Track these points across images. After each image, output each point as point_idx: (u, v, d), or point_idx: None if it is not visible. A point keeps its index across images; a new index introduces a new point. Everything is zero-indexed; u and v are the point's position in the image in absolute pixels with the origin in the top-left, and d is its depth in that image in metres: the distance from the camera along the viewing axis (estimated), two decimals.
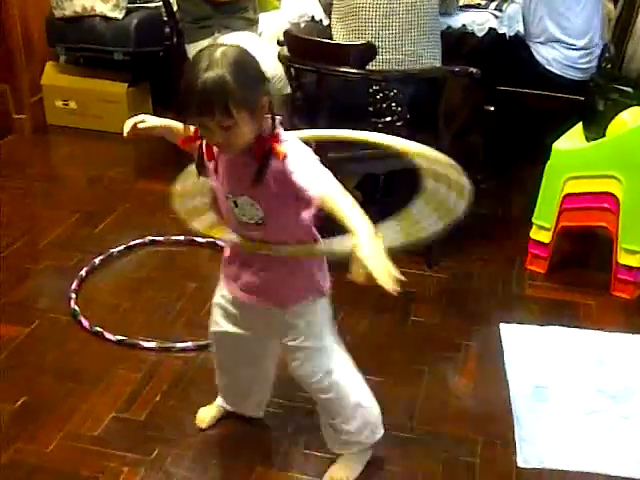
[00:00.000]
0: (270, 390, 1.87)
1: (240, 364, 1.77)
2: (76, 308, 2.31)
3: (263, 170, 1.39)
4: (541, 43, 2.92)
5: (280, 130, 1.42)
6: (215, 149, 1.46)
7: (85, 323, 2.26)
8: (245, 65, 1.36)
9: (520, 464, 1.81)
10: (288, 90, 2.75)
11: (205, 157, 1.49)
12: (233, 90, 1.30)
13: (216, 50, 1.35)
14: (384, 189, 2.99)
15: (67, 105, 3.67)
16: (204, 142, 1.47)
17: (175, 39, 3.19)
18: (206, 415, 1.90)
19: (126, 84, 3.59)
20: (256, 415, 1.89)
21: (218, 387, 1.88)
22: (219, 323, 1.73)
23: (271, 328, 1.66)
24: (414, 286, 2.49)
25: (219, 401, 1.91)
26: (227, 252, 1.65)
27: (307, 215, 1.51)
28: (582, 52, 2.89)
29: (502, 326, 2.29)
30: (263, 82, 1.40)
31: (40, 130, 3.67)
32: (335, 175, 2.51)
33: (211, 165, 1.51)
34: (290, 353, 1.65)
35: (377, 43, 2.39)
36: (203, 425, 1.89)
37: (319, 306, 1.62)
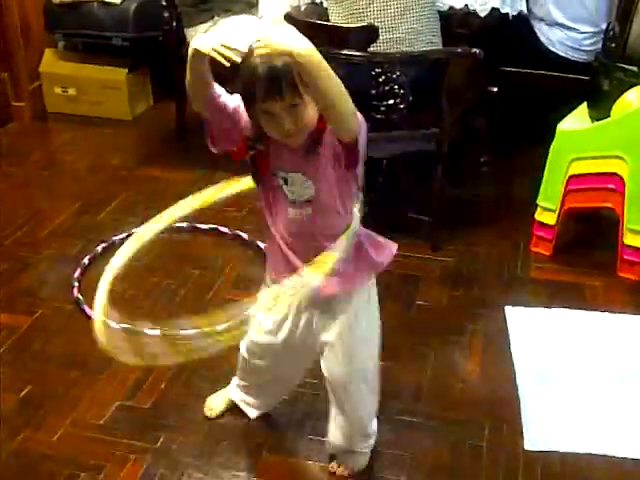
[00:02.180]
0: None
1: (283, 369, 1.74)
2: (79, 296, 2.31)
3: (317, 142, 1.38)
4: (545, 24, 2.88)
5: None
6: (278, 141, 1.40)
7: (89, 311, 2.25)
8: None
9: (527, 447, 1.81)
10: None
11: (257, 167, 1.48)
12: (295, 67, 1.26)
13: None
14: (387, 173, 2.97)
15: (66, 92, 3.65)
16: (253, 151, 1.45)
17: (174, 23, 3.17)
18: (216, 407, 1.90)
19: (125, 70, 3.56)
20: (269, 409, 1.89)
21: (246, 390, 1.85)
22: (263, 335, 1.67)
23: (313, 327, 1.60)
24: (419, 270, 2.47)
25: (233, 395, 1.89)
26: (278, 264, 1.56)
27: (354, 185, 1.47)
28: (587, 34, 2.86)
29: (507, 309, 2.28)
30: None
31: (39, 117, 3.65)
32: None
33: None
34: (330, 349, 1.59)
35: (377, 24, 2.37)
36: (212, 415, 1.88)
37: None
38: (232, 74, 1.38)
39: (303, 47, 1.22)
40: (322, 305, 1.56)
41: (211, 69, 1.39)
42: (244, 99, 1.37)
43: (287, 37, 1.23)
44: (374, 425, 1.73)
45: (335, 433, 1.70)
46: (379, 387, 1.68)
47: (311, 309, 1.58)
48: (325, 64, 1.25)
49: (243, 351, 1.75)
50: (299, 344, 1.63)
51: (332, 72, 1.26)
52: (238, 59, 1.30)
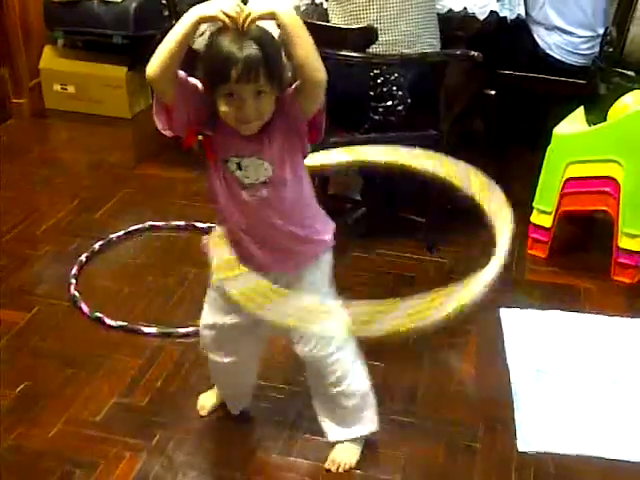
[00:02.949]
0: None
1: (240, 357, 1.73)
2: (76, 294, 2.31)
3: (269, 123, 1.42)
4: (543, 28, 2.90)
5: None
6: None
7: (85, 309, 2.26)
8: (275, 41, 1.40)
9: (521, 448, 1.82)
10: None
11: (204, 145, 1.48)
12: (274, 55, 1.36)
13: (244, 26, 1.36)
14: (383, 175, 2.98)
15: (66, 89, 3.65)
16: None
17: (174, 22, 3.16)
18: (206, 402, 1.91)
19: (125, 68, 3.57)
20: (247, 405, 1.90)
21: (219, 388, 1.88)
22: (216, 316, 1.68)
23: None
24: (414, 270, 2.48)
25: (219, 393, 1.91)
26: (227, 249, 1.58)
27: (303, 149, 1.50)
28: (584, 39, 2.88)
29: (502, 311, 2.29)
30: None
31: (39, 114, 3.65)
32: None
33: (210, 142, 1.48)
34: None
35: (376, 25, 2.38)
36: (204, 412, 1.89)
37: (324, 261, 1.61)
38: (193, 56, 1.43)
39: (285, 9, 1.35)
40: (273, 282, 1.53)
41: None
42: (211, 78, 1.39)
43: (270, 3, 1.34)
44: (359, 406, 1.73)
45: (329, 417, 1.72)
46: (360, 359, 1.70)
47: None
48: (301, 23, 1.36)
49: (203, 347, 1.77)
50: (252, 325, 1.61)
51: (307, 32, 1.36)
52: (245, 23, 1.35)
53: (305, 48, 1.35)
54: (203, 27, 3.31)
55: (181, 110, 1.43)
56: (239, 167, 1.46)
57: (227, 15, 1.34)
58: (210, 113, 1.43)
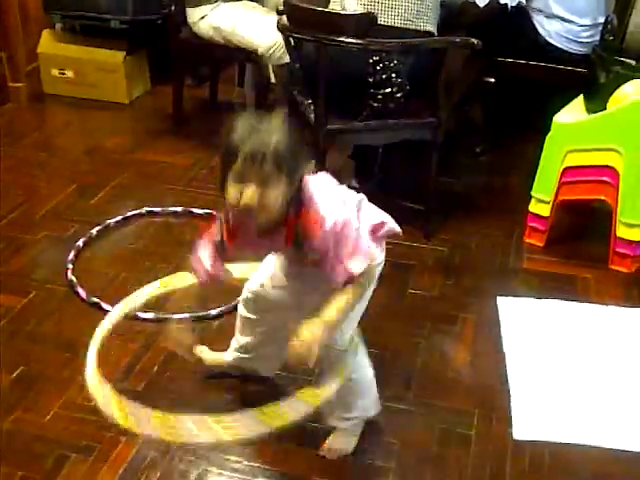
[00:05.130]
0: None
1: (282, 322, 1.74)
2: (73, 279, 2.31)
3: (299, 251, 1.49)
4: (544, 16, 2.88)
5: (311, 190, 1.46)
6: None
7: (82, 294, 2.25)
8: (293, 132, 1.40)
9: (516, 436, 1.83)
10: (287, 59, 2.72)
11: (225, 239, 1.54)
12: (287, 146, 1.35)
13: (262, 115, 1.40)
14: (382, 162, 2.98)
15: (64, 74, 3.63)
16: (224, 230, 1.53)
17: (173, 7, 3.15)
18: (208, 357, 1.94)
19: (123, 53, 3.55)
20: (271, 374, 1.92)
21: (244, 348, 1.87)
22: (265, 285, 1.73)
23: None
24: (412, 258, 2.48)
25: (229, 357, 1.92)
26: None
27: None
28: (585, 27, 2.86)
29: (499, 299, 2.30)
30: (306, 157, 1.44)
31: (36, 99, 3.64)
32: (333, 145, 2.50)
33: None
34: None
35: (374, 4, 2.36)
36: (193, 357, 1.87)
37: None
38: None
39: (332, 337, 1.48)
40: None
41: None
42: (222, 160, 1.40)
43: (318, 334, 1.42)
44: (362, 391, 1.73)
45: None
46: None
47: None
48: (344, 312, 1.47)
49: (241, 309, 1.81)
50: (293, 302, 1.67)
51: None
52: None
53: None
54: (203, 11, 3.31)
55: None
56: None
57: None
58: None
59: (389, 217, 1.66)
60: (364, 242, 1.48)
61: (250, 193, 1.35)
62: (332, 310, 1.44)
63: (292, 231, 1.45)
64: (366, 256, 1.46)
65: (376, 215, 1.61)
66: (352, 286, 1.46)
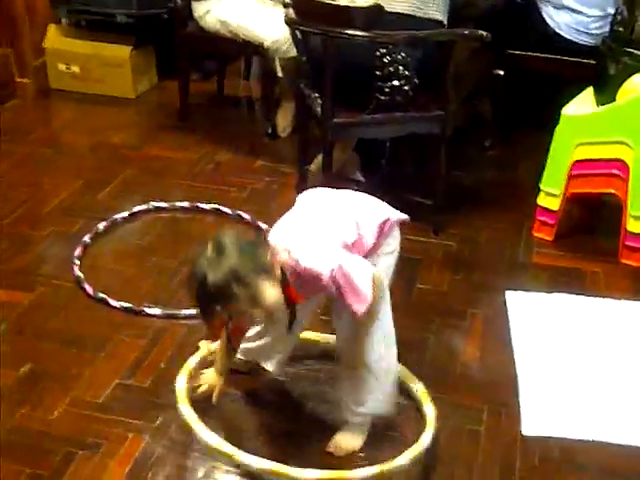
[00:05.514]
0: None
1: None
2: (80, 274, 2.30)
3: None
4: (552, 7, 2.85)
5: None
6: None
7: (89, 290, 2.25)
8: (243, 243, 1.50)
9: (525, 432, 1.81)
10: (294, 52, 2.70)
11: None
12: (242, 264, 1.45)
13: (215, 248, 1.47)
14: (390, 155, 2.96)
15: (70, 69, 3.63)
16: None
17: (179, 1, 3.14)
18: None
19: (129, 47, 3.54)
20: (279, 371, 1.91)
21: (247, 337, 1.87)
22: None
23: None
24: (420, 253, 2.47)
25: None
26: None
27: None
28: (594, 18, 2.83)
29: (508, 293, 2.28)
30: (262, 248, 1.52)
31: (43, 94, 3.63)
32: (338, 139, 2.49)
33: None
34: None
35: None
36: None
37: None
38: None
39: None
40: None
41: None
42: (201, 306, 1.54)
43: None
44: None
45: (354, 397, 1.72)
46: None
47: None
48: None
49: None
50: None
51: None
52: None
53: None
54: (209, 5, 3.30)
55: None
56: None
57: None
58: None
59: (390, 208, 1.68)
60: (364, 279, 1.50)
61: (246, 318, 1.53)
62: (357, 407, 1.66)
63: (300, 297, 1.57)
64: (366, 298, 1.49)
65: (378, 214, 1.63)
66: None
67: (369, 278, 1.50)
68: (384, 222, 1.62)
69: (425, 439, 1.70)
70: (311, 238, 1.54)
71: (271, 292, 1.49)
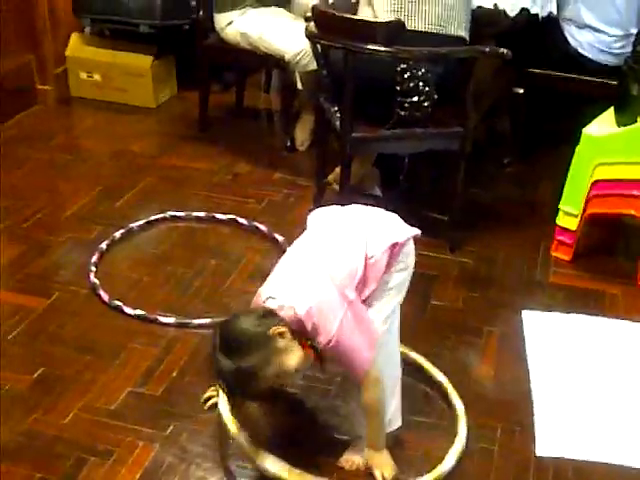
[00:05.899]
0: None
1: None
2: (96, 281, 2.31)
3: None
4: (575, 26, 2.85)
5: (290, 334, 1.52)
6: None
7: (104, 297, 2.25)
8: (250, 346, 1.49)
9: (539, 452, 1.79)
10: (314, 66, 2.71)
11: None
12: (257, 359, 1.48)
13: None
14: (408, 171, 2.95)
15: (91, 77, 3.66)
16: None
17: (201, 12, 3.16)
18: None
19: (151, 57, 3.57)
20: None
21: None
22: None
23: None
24: (435, 269, 2.46)
25: None
26: None
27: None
28: (616, 37, 2.82)
29: (524, 313, 2.26)
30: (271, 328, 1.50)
31: (64, 102, 3.66)
32: (357, 153, 2.50)
33: None
34: None
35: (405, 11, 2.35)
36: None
37: None
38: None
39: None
40: None
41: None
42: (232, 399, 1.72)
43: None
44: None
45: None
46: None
47: None
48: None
49: None
50: None
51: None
52: None
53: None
54: (231, 17, 3.32)
55: None
56: None
57: None
58: None
59: (403, 224, 1.67)
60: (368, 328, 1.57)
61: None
62: (375, 435, 1.68)
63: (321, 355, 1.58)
64: (371, 348, 1.55)
65: (390, 234, 1.63)
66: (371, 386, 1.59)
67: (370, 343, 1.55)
68: (394, 244, 1.62)
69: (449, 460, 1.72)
70: (316, 289, 1.54)
71: (292, 358, 1.50)
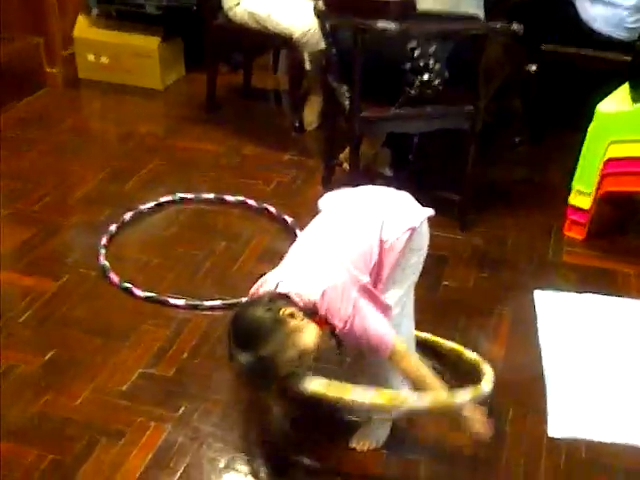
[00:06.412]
0: None
1: None
2: (106, 264, 2.31)
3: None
4: (587, 0, 2.80)
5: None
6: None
7: (114, 279, 2.25)
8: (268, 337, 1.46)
9: (551, 433, 1.78)
10: (322, 46, 2.68)
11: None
12: (275, 348, 1.46)
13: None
14: (417, 151, 2.93)
15: (99, 59, 3.64)
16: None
17: None
18: None
19: (158, 39, 3.54)
20: None
21: None
22: None
23: None
24: (446, 250, 2.44)
25: None
26: None
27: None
28: (630, 11, 2.77)
29: (536, 293, 2.24)
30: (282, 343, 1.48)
31: (72, 84, 3.64)
32: (366, 133, 2.48)
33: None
34: None
35: None
36: None
37: None
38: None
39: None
40: None
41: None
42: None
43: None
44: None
45: None
46: None
47: None
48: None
49: None
50: None
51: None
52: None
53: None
54: None
55: None
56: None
57: None
58: None
59: (417, 206, 1.66)
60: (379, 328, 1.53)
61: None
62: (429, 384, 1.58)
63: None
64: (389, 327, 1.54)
65: (402, 223, 1.61)
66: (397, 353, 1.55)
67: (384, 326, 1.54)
68: (411, 229, 1.60)
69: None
70: (330, 273, 1.52)
71: (307, 336, 1.48)
